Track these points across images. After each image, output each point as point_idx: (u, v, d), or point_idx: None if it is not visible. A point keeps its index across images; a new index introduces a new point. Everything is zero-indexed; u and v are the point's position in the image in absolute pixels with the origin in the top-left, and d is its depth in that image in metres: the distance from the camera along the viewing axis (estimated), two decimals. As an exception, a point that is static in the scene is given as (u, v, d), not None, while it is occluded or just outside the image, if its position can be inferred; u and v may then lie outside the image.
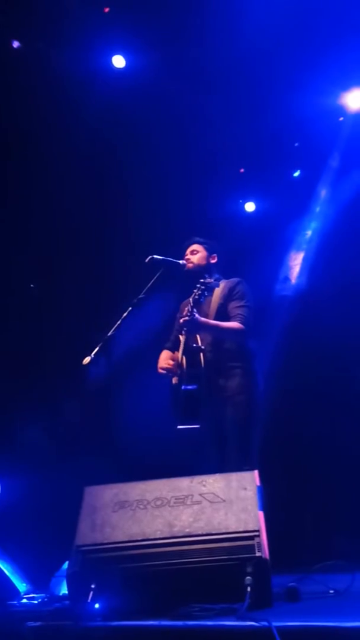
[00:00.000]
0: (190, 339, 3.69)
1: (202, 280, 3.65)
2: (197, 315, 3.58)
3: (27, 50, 5.31)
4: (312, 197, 6.00)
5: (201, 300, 3.63)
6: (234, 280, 3.92)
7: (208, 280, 3.67)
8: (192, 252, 4.01)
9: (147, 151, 5.78)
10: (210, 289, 3.69)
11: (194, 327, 3.60)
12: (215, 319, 3.74)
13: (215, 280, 3.94)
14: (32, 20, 5.11)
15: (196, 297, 3.61)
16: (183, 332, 3.70)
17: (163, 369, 3.83)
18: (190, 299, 3.64)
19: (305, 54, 5.18)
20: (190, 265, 3.96)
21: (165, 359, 3.90)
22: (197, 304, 3.61)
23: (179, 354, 3.74)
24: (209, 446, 3.65)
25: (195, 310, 3.57)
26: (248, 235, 6.01)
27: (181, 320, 3.62)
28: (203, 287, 3.61)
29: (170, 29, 5.19)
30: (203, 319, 3.65)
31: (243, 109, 5.62)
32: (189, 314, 3.54)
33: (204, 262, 4.00)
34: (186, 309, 3.62)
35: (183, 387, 3.58)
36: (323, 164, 5.89)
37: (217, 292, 3.85)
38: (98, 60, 5.43)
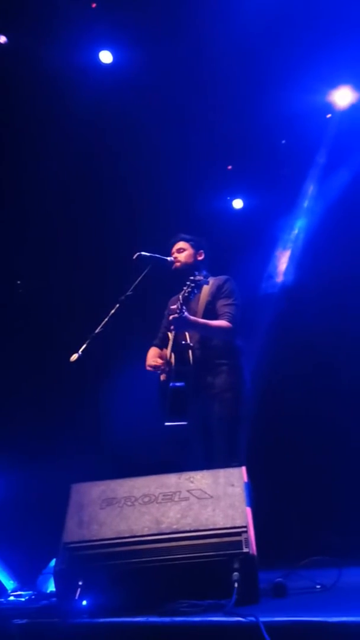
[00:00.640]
0: (179, 336, 3.69)
1: (191, 277, 3.65)
2: (186, 314, 3.57)
3: (14, 45, 5.27)
4: (300, 194, 6.02)
5: (190, 297, 3.63)
6: (222, 278, 3.92)
7: (198, 277, 3.66)
8: (179, 250, 4.00)
9: (134, 147, 5.76)
10: (199, 286, 3.69)
11: (183, 325, 3.60)
12: (203, 317, 3.74)
13: (203, 277, 3.94)
14: (18, 15, 5.08)
15: (186, 294, 3.60)
16: (172, 330, 3.70)
17: (151, 366, 3.82)
18: (180, 297, 3.64)
19: (293, 51, 5.19)
20: (177, 264, 3.95)
21: (153, 356, 3.89)
22: (187, 301, 3.61)
23: (168, 351, 3.74)
24: (197, 443, 3.65)
25: (184, 308, 3.57)
26: (235, 232, 6.02)
27: (170, 318, 3.61)
28: (193, 285, 3.61)
29: (158, 25, 5.19)
30: (192, 317, 3.65)
31: (230, 106, 5.62)
32: (178, 311, 3.54)
33: (191, 260, 3.99)
34: (175, 306, 3.61)
35: (171, 384, 3.57)
36: (310, 161, 5.90)
37: (205, 290, 3.85)
38: (85, 55, 5.42)
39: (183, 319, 3.55)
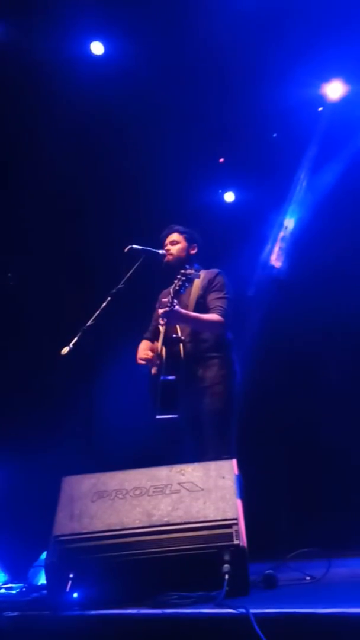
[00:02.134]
0: (169, 330, 3.69)
1: (182, 271, 3.65)
2: (177, 307, 3.57)
3: (3, 36, 5.23)
4: (291, 187, 6.01)
5: (181, 291, 3.62)
6: (214, 271, 3.92)
7: (189, 271, 3.66)
8: (172, 243, 3.99)
9: (125, 140, 5.74)
10: (190, 279, 3.69)
11: (174, 318, 3.60)
12: (194, 310, 3.74)
13: (195, 270, 3.93)
14: (7, 4, 5.04)
15: (176, 287, 3.60)
16: (163, 323, 3.70)
17: (142, 359, 3.82)
18: (171, 290, 3.63)
19: (285, 44, 5.18)
20: (170, 257, 3.94)
21: (144, 349, 3.89)
22: (178, 294, 3.61)
23: (159, 344, 3.74)
24: (188, 436, 3.66)
25: (175, 301, 3.57)
26: (227, 225, 6.01)
27: (161, 311, 3.61)
28: (184, 278, 3.61)
29: (150, 17, 5.15)
30: (183, 310, 3.65)
31: (222, 99, 5.61)
32: (169, 304, 3.54)
33: (183, 253, 3.98)
34: (167, 299, 3.61)
35: (162, 378, 3.57)
36: (302, 153, 5.90)
37: (197, 283, 3.84)
38: (76, 47, 5.38)
39: (174, 312, 3.55)
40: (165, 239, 4.02)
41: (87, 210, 5.91)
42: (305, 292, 5.64)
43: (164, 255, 3.94)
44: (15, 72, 5.29)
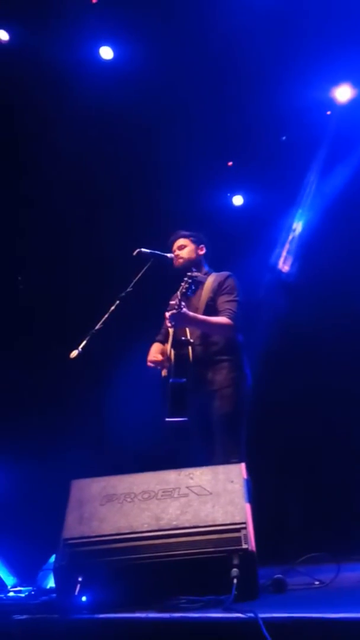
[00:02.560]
0: (178, 332, 3.68)
1: (189, 273, 3.65)
2: (185, 309, 3.57)
3: (14, 41, 5.27)
4: (300, 191, 6.01)
5: (188, 293, 3.62)
6: (224, 274, 3.91)
7: (195, 273, 3.66)
8: (180, 247, 3.99)
9: (134, 144, 5.76)
10: (197, 282, 3.69)
11: (181, 320, 3.60)
12: (204, 313, 3.73)
13: (205, 273, 3.93)
14: (18, 10, 5.07)
15: (183, 290, 3.60)
16: (170, 325, 3.70)
17: (152, 362, 3.82)
18: (178, 293, 3.63)
19: (294, 47, 5.18)
20: (180, 260, 3.93)
21: (155, 352, 3.89)
22: (185, 297, 3.61)
23: (168, 347, 3.74)
24: (197, 439, 3.65)
25: (183, 304, 3.57)
26: (236, 228, 6.01)
27: (168, 314, 3.61)
28: (190, 281, 3.61)
29: (158, 21, 5.17)
30: (191, 313, 3.64)
31: (231, 102, 5.62)
32: (176, 307, 3.54)
33: (193, 255, 3.98)
34: (174, 302, 3.61)
35: (171, 380, 3.57)
36: (311, 157, 5.90)
37: (207, 286, 3.84)
38: (86, 52, 5.40)
39: (182, 314, 3.54)
40: (172, 245, 4.02)
41: (96, 214, 5.93)
42: (313, 295, 5.63)
43: (172, 259, 3.94)
44: (25, 76, 5.32)
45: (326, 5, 4.91)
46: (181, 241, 4.01)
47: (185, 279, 3.62)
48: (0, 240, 5.73)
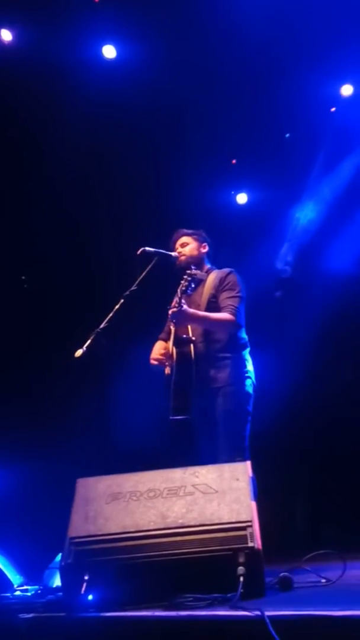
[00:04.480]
0: (180, 330, 3.68)
1: (188, 271, 3.64)
2: (185, 307, 3.56)
3: (17, 40, 5.27)
4: (305, 187, 6.00)
5: (188, 291, 3.61)
6: (225, 270, 3.91)
7: (194, 271, 3.66)
8: (183, 245, 3.98)
9: (138, 142, 5.76)
10: (197, 280, 3.68)
11: (182, 318, 3.59)
12: (206, 310, 3.72)
13: (207, 270, 3.93)
14: (21, 9, 5.08)
15: (183, 288, 3.59)
16: (172, 323, 3.70)
17: (154, 359, 3.82)
18: (178, 290, 3.63)
19: (298, 44, 5.18)
20: (183, 258, 3.92)
21: (157, 350, 3.89)
22: (185, 294, 3.60)
23: (170, 344, 3.74)
24: (202, 437, 3.65)
25: (183, 301, 3.56)
26: (240, 226, 6.01)
27: (170, 311, 3.60)
28: (189, 279, 3.60)
29: (161, 19, 5.17)
30: (192, 310, 3.63)
31: (234, 100, 5.61)
32: (177, 305, 3.53)
33: (196, 252, 3.98)
34: (174, 300, 3.60)
35: (173, 379, 3.57)
36: (315, 154, 5.88)
37: (209, 283, 3.83)
38: (88, 50, 5.40)
39: (182, 312, 3.53)
40: (175, 244, 4.01)
41: (100, 213, 5.93)
42: (320, 291, 5.61)
43: (176, 258, 3.94)
44: (28, 75, 5.32)
45: (330, 3, 4.90)
46: (184, 239, 4.00)
47: (185, 276, 3.61)
48: (5, 241, 5.74)
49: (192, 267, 3.72)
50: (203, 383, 3.61)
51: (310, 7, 4.95)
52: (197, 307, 3.73)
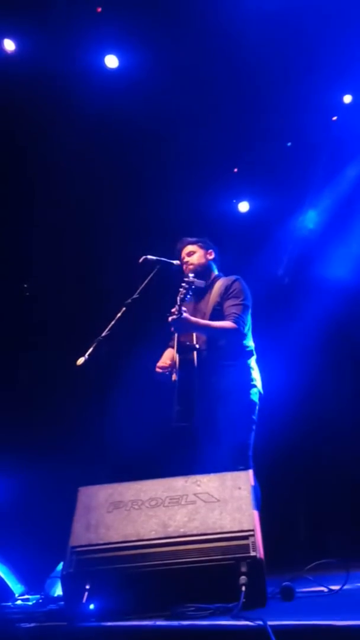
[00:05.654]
0: (184, 337, 3.68)
1: (186, 279, 3.64)
2: (185, 315, 3.56)
3: (19, 50, 5.30)
4: (306, 196, 6.01)
5: (186, 299, 3.60)
6: (231, 278, 3.90)
7: (192, 279, 3.66)
8: (189, 254, 3.97)
9: (140, 151, 5.78)
10: (195, 288, 3.67)
11: (182, 326, 3.58)
12: (211, 317, 3.72)
13: (215, 277, 3.93)
14: (23, 19, 5.11)
15: (181, 295, 3.59)
16: (172, 331, 3.69)
17: (160, 367, 3.82)
18: (177, 299, 3.62)
19: (299, 53, 5.20)
20: (190, 267, 3.90)
21: (165, 358, 3.88)
22: (183, 302, 3.58)
23: (174, 352, 3.74)
24: (205, 446, 3.64)
25: (184, 309, 3.55)
26: (242, 234, 6.02)
27: (169, 319, 3.59)
28: (187, 286, 3.60)
29: (163, 29, 5.20)
30: (193, 318, 3.63)
31: (236, 108, 5.63)
32: (177, 313, 3.52)
33: (203, 260, 3.97)
34: (174, 309, 3.60)
35: (177, 386, 3.57)
36: (317, 162, 5.90)
37: (215, 291, 3.83)
38: (91, 60, 5.43)
39: (182, 320, 3.53)
40: (181, 253, 4.00)
41: (102, 221, 5.95)
42: (322, 299, 5.61)
43: (179, 266, 3.94)
44: (32, 84, 5.35)
45: (332, 13, 4.93)
46: (189, 248, 3.99)
47: (183, 284, 3.61)
48: (6, 248, 5.75)
49: (190, 276, 3.71)
50: (206, 391, 3.60)
51: (311, 17, 4.98)
52: (203, 315, 3.72)
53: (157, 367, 3.84)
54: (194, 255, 3.96)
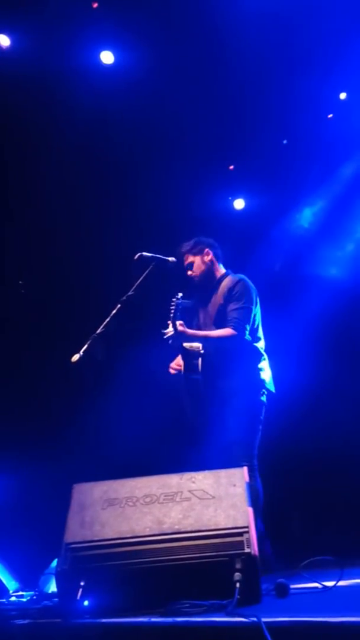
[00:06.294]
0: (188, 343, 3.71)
1: (173, 299, 3.65)
2: (181, 328, 3.59)
3: (13, 45, 5.28)
4: (302, 193, 6.01)
5: (177, 317, 3.62)
6: (235, 278, 3.90)
7: (179, 298, 3.66)
8: (189, 266, 4.01)
9: (135, 148, 5.77)
10: (182, 308, 3.67)
11: (181, 341, 3.61)
12: (216, 319, 3.78)
13: (222, 275, 3.92)
14: (18, 14, 5.09)
15: (171, 314, 3.60)
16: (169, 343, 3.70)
17: (173, 368, 3.84)
18: (169, 320, 3.64)
19: (296, 50, 5.20)
20: (195, 280, 3.97)
21: (179, 359, 3.88)
22: (175, 321, 3.61)
23: (179, 358, 3.76)
24: (211, 446, 3.64)
25: (179, 322, 3.58)
26: (238, 231, 6.01)
27: (165, 337, 3.61)
28: (174, 307, 3.61)
29: (159, 25, 5.19)
30: (190, 331, 3.67)
31: (232, 105, 5.62)
32: (173, 330, 3.55)
33: (202, 267, 3.99)
34: (168, 329, 3.61)
35: (185, 388, 3.62)
36: (313, 160, 5.90)
37: (220, 292, 3.86)
38: (86, 56, 5.42)
39: (180, 335, 3.57)
40: (184, 264, 4.01)
41: (97, 218, 5.93)
42: (320, 300, 5.61)
43: (174, 263, 3.94)
44: (27, 80, 5.33)
45: (329, 11, 4.92)
46: (188, 259, 4.02)
47: (171, 304, 3.63)
48: (1, 245, 5.73)
49: (178, 295, 3.70)
50: (213, 393, 3.61)
51: (308, 15, 4.98)
52: (209, 317, 3.78)
53: (170, 368, 3.85)
54: (193, 265, 3.99)
